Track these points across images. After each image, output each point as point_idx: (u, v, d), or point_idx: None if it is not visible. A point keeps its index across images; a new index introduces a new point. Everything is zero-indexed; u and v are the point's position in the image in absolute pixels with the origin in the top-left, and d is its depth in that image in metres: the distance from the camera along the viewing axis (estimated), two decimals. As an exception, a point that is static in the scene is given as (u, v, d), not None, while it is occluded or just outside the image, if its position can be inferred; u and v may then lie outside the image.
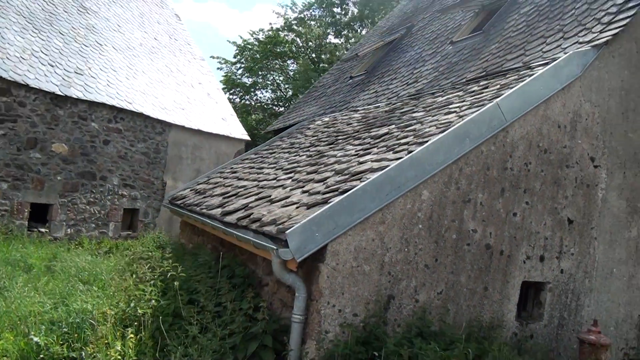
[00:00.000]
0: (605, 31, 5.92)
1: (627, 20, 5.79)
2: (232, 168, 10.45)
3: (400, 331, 4.69)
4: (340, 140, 7.84)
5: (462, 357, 4.24)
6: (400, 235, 4.76)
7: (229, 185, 8.34)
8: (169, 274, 5.79)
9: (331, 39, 31.01)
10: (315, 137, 9.32)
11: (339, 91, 13.22)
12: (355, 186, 4.68)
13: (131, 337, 4.59)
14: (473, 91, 6.83)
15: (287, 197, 5.69)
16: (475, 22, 10.16)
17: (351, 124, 8.91)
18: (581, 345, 5.10)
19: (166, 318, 5.05)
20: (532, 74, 5.83)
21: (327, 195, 4.95)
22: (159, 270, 5.87)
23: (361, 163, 5.66)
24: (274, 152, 9.93)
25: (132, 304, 5.25)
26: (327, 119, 10.96)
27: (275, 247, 4.41)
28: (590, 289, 5.79)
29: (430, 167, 4.85)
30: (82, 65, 12.64)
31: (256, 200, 6.26)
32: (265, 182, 7.22)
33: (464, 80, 7.84)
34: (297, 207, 5.11)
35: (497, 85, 6.34)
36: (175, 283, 5.43)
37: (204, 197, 8.32)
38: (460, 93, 7.11)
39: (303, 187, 5.88)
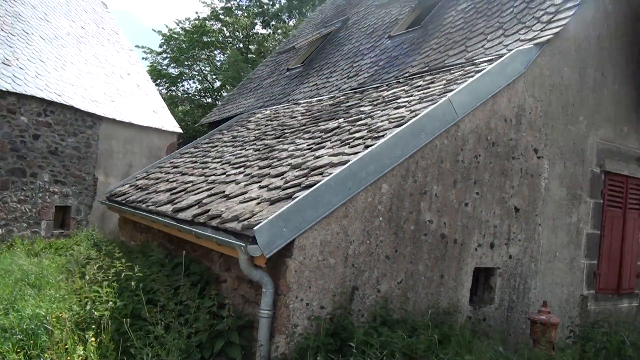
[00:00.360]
0: (546, 30, 6.25)
1: (567, 19, 6.13)
2: (172, 162, 10.21)
3: (364, 321, 4.79)
4: (288, 134, 7.84)
5: (427, 342, 4.41)
6: (362, 228, 4.85)
7: (173, 181, 8.16)
8: (123, 274, 5.62)
9: (259, 29, 30.73)
10: (259, 130, 9.27)
11: (276, 83, 13.18)
12: (318, 181, 4.72)
13: (92, 341, 4.43)
14: (419, 86, 7.02)
15: (245, 193, 5.65)
16: (413, 17, 10.41)
17: (295, 117, 8.94)
18: (532, 325, 5.41)
19: (126, 319, 4.90)
20: (479, 70, 6.09)
21: (290, 190, 4.96)
22: (112, 270, 5.67)
23: (317, 157, 5.70)
24: (216, 146, 9.78)
25: (87, 307, 5.06)
26: (268, 112, 10.92)
27: (243, 244, 4.38)
28: (536, 272, 6.15)
29: (389, 161, 4.97)
30: (10, 55, 11.88)
31: (209, 196, 6.17)
32: (214, 177, 7.12)
33: (407, 74, 8.02)
34: (258, 203, 5.09)
35: (444, 81, 6.55)
36: (132, 283, 5.28)
37: (148, 193, 8.10)
38: (406, 87, 7.29)
39: (259, 182, 5.86)
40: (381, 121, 6.03)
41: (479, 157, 5.65)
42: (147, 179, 9.55)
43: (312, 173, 5.21)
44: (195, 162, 9.17)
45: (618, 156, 6.98)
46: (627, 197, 7.07)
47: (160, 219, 6.48)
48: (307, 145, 6.63)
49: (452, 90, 5.76)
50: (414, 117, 5.33)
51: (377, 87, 8.21)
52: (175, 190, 7.32)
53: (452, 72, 6.85)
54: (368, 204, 4.87)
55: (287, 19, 30.19)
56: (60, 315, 4.83)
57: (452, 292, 5.48)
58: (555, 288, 6.36)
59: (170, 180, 8.36)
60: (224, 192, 6.04)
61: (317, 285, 4.63)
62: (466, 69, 6.58)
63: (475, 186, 5.63)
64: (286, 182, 5.29)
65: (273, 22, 30.19)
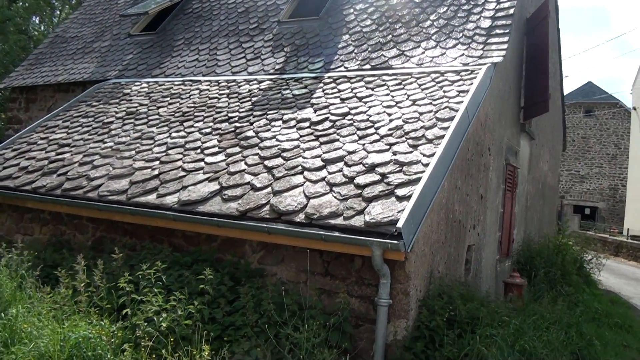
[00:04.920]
0: (491, 50, 7.72)
1: (507, 44, 7.70)
2: (54, 139, 8.73)
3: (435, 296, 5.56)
4: (239, 120, 7.74)
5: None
6: (436, 219, 5.63)
7: (125, 166, 7.23)
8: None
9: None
10: (171, 110, 8.72)
11: (121, 50, 12.02)
12: (415, 179, 5.30)
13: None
14: (384, 85, 7.74)
15: (294, 187, 5.71)
16: (295, 4, 10.84)
17: (220, 98, 8.72)
18: (507, 286, 6.95)
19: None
20: (455, 80, 7.25)
21: (372, 187, 5.33)
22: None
23: (351, 152, 6.11)
24: (110, 122, 8.75)
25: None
26: (146, 85, 10.12)
27: (387, 242, 4.71)
28: (485, 245, 7.73)
29: (449, 161, 5.81)
30: None
31: (254, 189, 5.87)
32: (201, 165, 6.71)
33: (342, 67, 8.67)
34: (341, 200, 5.31)
35: (429, 83, 7.42)
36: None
37: (90, 180, 7.02)
38: (371, 85, 7.95)
39: (293, 176, 5.93)
40: (379, 118, 6.73)
41: (473, 156, 6.87)
42: (31, 159, 8.07)
43: (376, 170, 5.65)
44: (103, 140, 8.14)
45: (511, 151, 9.03)
46: (513, 182, 9.21)
47: (222, 220, 5.64)
48: (301, 136, 6.85)
49: (449, 94, 6.83)
50: (447, 118, 6.24)
51: (316, 78, 8.60)
52: (147, 178, 6.66)
53: (413, 75, 7.81)
54: (438, 199, 5.64)
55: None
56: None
57: (460, 267, 6.65)
58: (489, 256, 8.07)
59: (106, 164, 7.34)
60: (256, 185, 5.92)
61: (419, 273, 5.26)
62: (432, 76, 7.63)
63: (471, 179, 6.84)
64: (351, 179, 5.60)
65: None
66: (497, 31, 8.03)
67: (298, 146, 6.59)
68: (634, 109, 25.88)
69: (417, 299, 5.20)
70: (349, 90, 7.87)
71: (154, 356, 4.54)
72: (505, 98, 8.59)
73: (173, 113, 8.58)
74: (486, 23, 8.27)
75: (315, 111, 7.45)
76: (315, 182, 5.74)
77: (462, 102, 6.61)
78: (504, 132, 8.57)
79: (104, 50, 12.29)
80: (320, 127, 6.96)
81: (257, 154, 6.63)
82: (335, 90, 8.00)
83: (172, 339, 4.63)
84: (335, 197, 5.39)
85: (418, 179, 5.30)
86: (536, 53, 9.57)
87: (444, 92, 7.07)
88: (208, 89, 9.26)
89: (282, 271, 5.67)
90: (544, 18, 9.22)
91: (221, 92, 9.02)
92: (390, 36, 8.94)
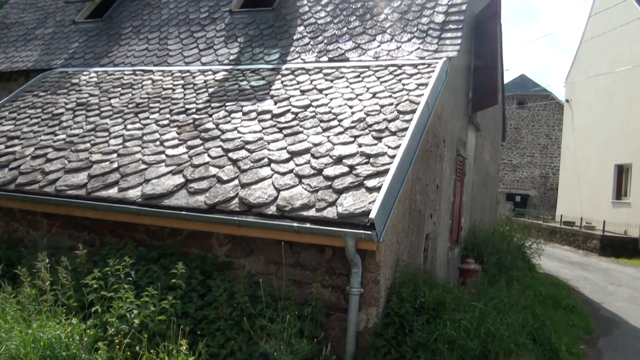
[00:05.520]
0: (446, 44, 7.96)
1: (460, 39, 7.97)
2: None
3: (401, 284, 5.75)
4: (197, 111, 7.65)
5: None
6: (402, 209, 5.80)
7: (81, 160, 6.92)
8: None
9: None
10: (123, 100, 8.49)
11: (66, 37, 11.55)
12: (382, 171, 5.44)
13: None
14: (343, 77, 7.84)
15: (263, 179, 5.73)
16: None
17: (174, 89, 8.56)
18: (462, 272, 7.25)
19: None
20: (413, 73, 7.45)
21: (341, 179, 5.45)
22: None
23: (317, 144, 6.20)
24: (60, 114, 8.43)
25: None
26: (94, 75, 9.79)
27: (361, 232, 4.83)
28: (439, 234, 8.00)
29: (413, 153, 5.99)
30: None
31: (220, 181, 5.81)
32: (162, 158, 6.59)
33: (298, 58, 8.70)
34: (312, 191, 5.40)
35: (388, 76, 7.55)
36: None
37: (45, 174, 6.77)
38: (330, 77, 8.01)
39: (260, 168, 5.95)
40: (341, 110, 6.85)
41: (431, 147, 7.09)
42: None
43: (344, 162, 5.76)
44: (54, 132, 7.84)
45: (461, 142, 9.36)
46: (462, 171, 9.55)
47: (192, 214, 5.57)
48: (263, 128, 6.86)
49: (408, 87, 7.02)
50: (408, 111, 6.41)
51: (274, 69, 8.59)
52: (107, 171, 6.49)
53: (371, 68, 7.95)
54: (404, 189, 5.80)
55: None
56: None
57: (419, 255, 6.87)
58: (442, 244, 8.37)
59: (62, 157, 7.09)
60: (223, 178, 5.90)
61: (387, 262, 5.42)
62: (390, 69, 7.79)
63: (429, 170, 7.07)
64: (319, 170, 5.69)
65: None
66: (451, 26, 8.27)
67: (261, 138, 6.60)
68: (567, 101, 27.20)
69: (386, 287, 5.36)
70: (308, 82, 7.92)
71: (128, 353, 4.48)
72: (457, 91, 8.89)
73: (126, 104, 8.37)
74: (439, 18, 8.50)
75: (275, 103, 7.46)
76: (283, 174, 5.78)
77: (422, 95, 6.79)
78: (456, 123, 8.88)
79: (48, 38, 11.77)
80: (282, 119, 6.98)
81: (220, 146, 6.59)
82: (294, 82, 8.02)
83: (146, 335, 4.58)
84: (305, 189, 5.46)
85: (386, 171, 5.45)
86: (485, 48, 9.93)
87: (403, 85, 7.24)
88: (161, 80, 9.07)
89: (251, 263, 5.68)
90: (494, 14, 9.58)
91: (175, 82, 8.86)
92: (345, 29, 9.04)
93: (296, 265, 5.47)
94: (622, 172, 21.76)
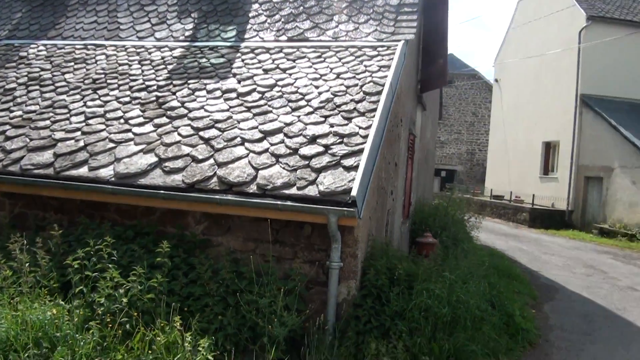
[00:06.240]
0: (403, 27, 8.25)
1: (416, 22, 8.29)
2: None
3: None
4: (159, 89, 7.57)
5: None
6: (374, 187, 6.10)
7: (44, 137, 6.70)
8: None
9: None
10: (78, 76, 8.23)
11: (9, 7, 10.77)
12: (356, 151, 5.69)
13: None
14: (306, 57, 7.96)
15: (240, 158, 5.84)
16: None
17: (130, 64, 8.39)
18: (419, 245, 7.68)
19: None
20: (374, 55, 7.71)
21: (318, 158, 5.66)
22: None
23: (289, 124, 6.36)
24: (13, 89, 8.09)
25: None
26: (43, 49, 9.38)
27: (343, 209, 5.07)
28: (395, 209, 8.39)
29: (381, 132, 6.27)
30: None
31: (196, 160, 5.86)
32: (131, 135, 6.51)
33: (256, 37, 8.73)
34: (292, 170, 5.58)
35: (348, 57, 7.74)
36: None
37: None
38: (300, 55, 8.07)
39: (234, 147, 6.05)
40: (307, 89, 7.03)
41: (393, 127, 7.40)
42: None
43: (318, 142, 5.97)
44: (9, 108, 7.51)
45: (412, 121, 9.75)
46: (413, 149, 9.97)
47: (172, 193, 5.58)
48: (231, 107, 6.93)
49: (370, 69, 7.28)
50: (374, 92, 6.67)
51: (232, 47, 8.57)
52: (74, 149, 6.36)
53: (332, 49, 8.12)
54: (376, 169, 6.09)
55: None
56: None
57: (383, 229, 7.23)
58: (397, 219, 8.78)
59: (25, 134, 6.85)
60: (198, 157, 5.95)
61: (363, 237, 5.71)
62: (350, 50, 8.00)
63: (391, 148, 7.39)
64: (294, 150, 5.87)
65: None
66: (406, 9, 8.56)
67: (231, 117, 6.67)
68: (496, 80, 28.48)
69: (361, 260, 5.66)
70: (270, 61, 8.00)
71: (119, 332, 4.54)
72: (409, 72, 9.23)
73: (82, 80, 8.12)
74: (394, 1, 8.76)
75: (239, 82, 7.51)
76: (259, 153, 5.91)
77: (385, 77, 7.06)
78: (409, 104, 9.25)
79: (-18, 7, 11.07)
80: (249, 98, 7.06)
81: (189, 124, 6.59)
82: (256, 60, 8.08)
83: (135, 314, 4.65)
84: (284, 169, 5.62)
85: (360, 150, 5.70)
86: (433, 30, 10.32)
87: (365, 67, 7.48)
88: (115, 55, 8.84)
89: (229, 241, 5.82)
90: (443, -2, 9.97)
91: (131, 58, 8.66)
92: (301, 7, 9.13)
93: (275, 242, 5.66)
94: (549, 149, 23.25)
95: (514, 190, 23.98)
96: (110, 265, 4.93)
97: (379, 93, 6.74)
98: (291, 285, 5.21)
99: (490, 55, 73.16)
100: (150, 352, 4.36)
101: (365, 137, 5.93)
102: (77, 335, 4.42)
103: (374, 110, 6.42)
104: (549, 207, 21.75)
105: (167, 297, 4.96)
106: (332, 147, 5.84)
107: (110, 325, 4.53)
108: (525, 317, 7.27)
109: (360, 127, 6.12)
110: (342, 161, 5.60)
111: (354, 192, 5.10)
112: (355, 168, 5.47)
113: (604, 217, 19.62)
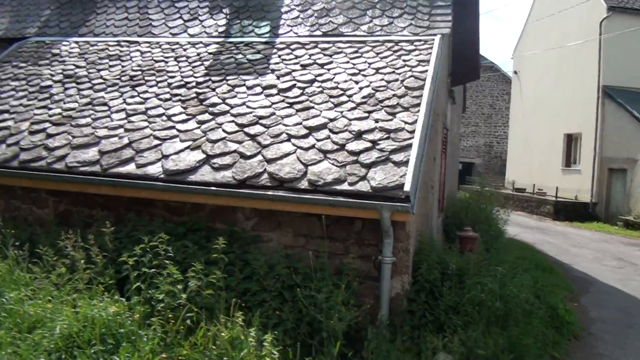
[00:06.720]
0: (438, 21, 8.21)
1: (450, 16, 8.25)
2: None
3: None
4: (198, 85, 7.59)
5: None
6: (423, 181, 6.08)
7: (86, 135, 6.80)
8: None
9: None
10: (114, 72, 8.27)
11: (37, 4, 10.87)
12: (404, 146, 5.69)
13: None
14: (342, 52, 7.94)
15: (287, 155, 5.85)
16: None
17: (166, 61, 8.41)
18: (461, 239, 7.66)
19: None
20: (411, 49, 7.68)
21: (367, 154, 5.66)
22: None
23: (333, 120, 6.36)
24: (48, 87, 8.13)
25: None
26: (75, 45, 9.43)
27: (397, 204, 5.08)
28: (433, 203, 8.37)
29: (426, 127, 6.25)
30: None
31: (243, 157, 5.90)
32: (175, 132, 6.56)
33: (291, 32, 8.72)
34: (340, 165, 5.58)
35: (386, 52, 7.71)
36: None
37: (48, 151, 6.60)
38: (328, 51, 8.07)
39: (281, 143, 6.06)
40: (348, 85, 7.02)
41: (432, 121, 7.37)
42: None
43: (364, 137, 5.96)
44: (47, 106, 7.59)
45: (444, 115, 9.71)
46: (446, 143, 9.94)
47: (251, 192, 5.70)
48: (273, 103, 6.93)
49: (409, 63, 7.26)
50: (416, 87, 6.66)
51: (268, 43, 8.55)
52: (117, 147, 6.41)
53: (368, 43, 8.09)
54: (425, 163, 6.08)
55: None
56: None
57: (427, 223, 7.22)
58: (434, 212, 8.76)
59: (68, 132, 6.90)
60: (246, 153, 5.97)
61: (413, 232, 5.71)
62: (387, 45, 7.96)
63: (431, 143, 7.36)
64: (341, 146, 5.87)
65: None
66: (440, 3, 8.53)
67: (274, 113, 6.67)
68: (515, 72, 28.30)
69: (412, 255, 5.67)
70: (307, 56, 7.99)
71: (182, 327, 4.57)
72: (444, 66, 9.19)
73: (119, 77, 8.16)
74: (428, -7, 8.72)
75: (278, 77, 7.51)
76: (306, 149, 5.91)
77: (426, 71, 7.05)
78: (443, 97, 9.21)
79: (15, 4, 11.11)
80: (290, 94, 7.06)
81: (233, 121, 6.61)
82: (292, 56, 8.07)
83: (196, 309, 4.68)
84: (333, 164, 5.62)
85: (409, 145, 5.69)
86: (465, 21, 10.24)
87: (404, 61, 7.46)
88: (150, 51, 8.87)
89: (279, 237, 5.84)
90: (475, -11, 9.89)
91: (166, 55, 8.69)
92: (334, 2, 9.10)
93: (325, 238, 5.66)
94: (571, 141, 23.07)
95: (535, 183, 23.84)
96: (166, 262, 4.96)
97: (421, 88, 6.72)
98: (345, 280, 5.22)
99: (505, 47, 72.61)
100: (214, 347, 4.38)
101: (412, 132, 5.93)
102: (140, 332, 4.46)
103: (418, 105, 6.40)
104: (572, 199, 21.60)
105: (225, 292, 4.98)
106: (379, 142, 5.84)
107: (173, 321, 4.56)
108: (567, 310, 7.25)
109: (406, 122, 6.11)
110: (391, 156, 5.60)
111: (407, 187, 5.11)
112: (405, 163, 5.47)
113: (628, 209, 19.46)
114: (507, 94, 32.84)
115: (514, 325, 5.46)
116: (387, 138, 5.89)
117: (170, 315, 4.61)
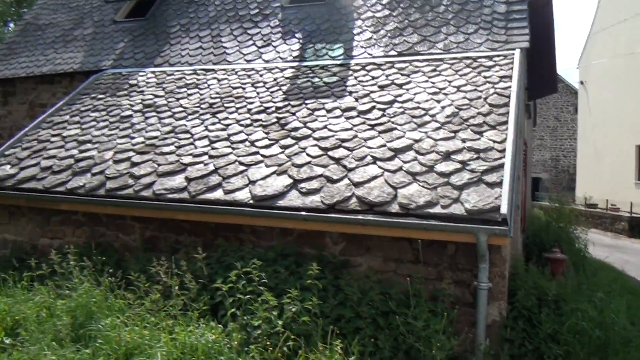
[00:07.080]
0: (515, 35, 8.01)
1: (527, 28, 8.03)
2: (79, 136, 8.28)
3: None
4: (277, 109, 7.66)
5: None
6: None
7: (171, 162, 6.97)
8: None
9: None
10: (193, 101, 8.48)
11: (109, 37, 11.48)
12: (495, 166, 5.53)
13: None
14: (420, 71, 7.86)
15: (374, 177, 5.78)
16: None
17: (244, 88, 8.56)
18: (551, 261, 7.35)
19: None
20: (491, 65, 7.51)
21: (457, 175, 5.52)
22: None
23: (418, 141, 6.25)
24: (129, 117, 8.40)
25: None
26: (152, 75, 9.75)
27: (494, 228, 4.92)
28: (517, 222, 8.09)
29: (515, 145, 6.04)
30: None
31: (331, 181, 5.89)
32: (261, 158, 6.61)
33: (364, 54, 8.72)
34: (431, 188, 5.46)
35: (464, 69, 7.60)
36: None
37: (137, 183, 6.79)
38: (405, 71, 8.03)
39: (366, 165, 6.00)
40: (429, 105, 6.90)
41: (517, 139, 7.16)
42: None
43: (452, 157, 5.83)
44: (129, 135, 7.83)
45: (523, 131, 9.42)
46: (526, 159, 9.65)
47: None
48: (354, 125, 6.89)
49: (491, 80, 7.09)
50: (501, 104, 6.49)
51: (342, 65, 8.58)
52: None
53: (445, 61, 7.98)
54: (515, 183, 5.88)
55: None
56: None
57: (516, 245, 6.96)
58: (517, 232, 8.46)
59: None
60: (332, 177, 5.93)
61: (508, 256, 5.50)
62: (466, 62, 7.83)
63: (516, 161, 7.12)
64: (430, 167, 5.75)
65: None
66: (515, 16, 8.35)
67: (356, 136, 6.64)
68: (582, 82, 27.38)
69: (507, 280, 5.46)
70: (383, 77, 7.95)
71: (279, 355, 4.55)
72: (523, 74, 8.95)
73: (198, 104, 8.36)
74: (502, 8, 8.57)
75: (356, 100, 7.49)
76: (394, 172, 5.83)
77: (509, 87, 6.88)
78: (522, 113, 8.95)
79: (89, 39, 11.68)
80: (370, 115, 7.02)
81: (316, 145, 6.61)
82: (369, 77, 8.05)
83: (292, 337, 4.65)
84: (423, 187, 5.51)
85: (501, 165, 5.53)
86: (540, 35, 9.97)
87: (485, 77, 7.30)
88: (227, 78, 9.05)
89: (369, 261, 5.76)
90: (549, 1, 9.61)
91: (243, 81, 8.85)
92: (406, 21, 9.07)
93: (417, 262, 5.54)
94: (644, 153, 22.04)
95: (607, 198, 22.80)
96: (260, 288, 4.97)
97: (506, 105, 6.56)
98: (441, 307, 5.08)
99: (566, 57, 70.41)
100: (315, 376, 4.33)
101: (502, 151, 5.76)
102: (239, 359, 4.46)
103: (505, 122, 6.24)
104: (648, 215, 20.54)
105: (319, 319, 4.94)
106: (469, 163, 5.69)
107: (271, 349, 4.55)
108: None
109: (494, 142, 5.95)
110: (483, 177, 5.44)
111: (503, 210, 4.95)
112: (499, 184, 5.31)
113: None
114: (572, 106, 31.83)
115: (613, 355, 5.14)
116: (477, 158, 5.74)
117: (267, 343, 4.60)
